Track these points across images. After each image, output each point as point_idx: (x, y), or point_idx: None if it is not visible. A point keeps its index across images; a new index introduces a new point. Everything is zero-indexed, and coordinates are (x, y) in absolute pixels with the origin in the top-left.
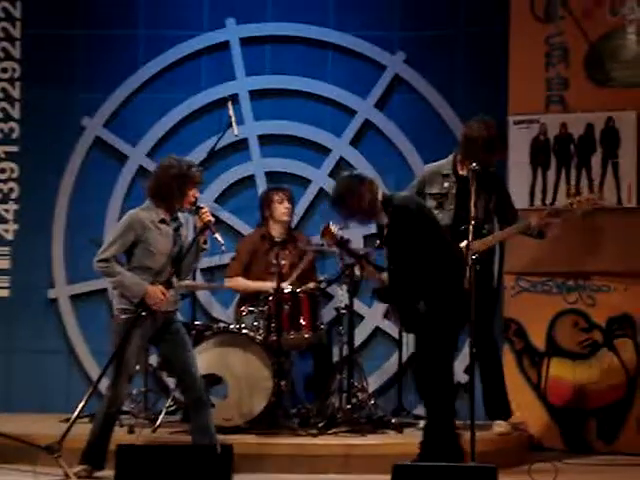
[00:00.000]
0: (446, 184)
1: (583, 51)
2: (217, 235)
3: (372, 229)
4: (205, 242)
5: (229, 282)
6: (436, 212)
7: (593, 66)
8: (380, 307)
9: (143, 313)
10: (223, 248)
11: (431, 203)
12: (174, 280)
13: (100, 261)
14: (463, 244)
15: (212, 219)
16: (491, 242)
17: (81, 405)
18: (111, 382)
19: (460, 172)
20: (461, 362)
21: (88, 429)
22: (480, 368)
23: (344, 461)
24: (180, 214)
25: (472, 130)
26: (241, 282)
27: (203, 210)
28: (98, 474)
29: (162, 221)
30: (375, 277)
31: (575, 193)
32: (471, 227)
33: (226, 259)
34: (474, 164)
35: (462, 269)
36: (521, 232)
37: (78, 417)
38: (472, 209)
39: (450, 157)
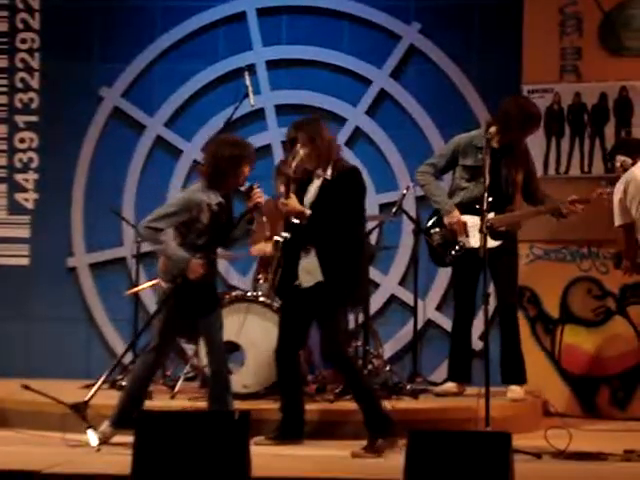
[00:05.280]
0: (480, 156)
1: (597, 20)
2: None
3: (388, 198)
4: (252, 222)
5: (254, 248)
6: (468, 184)
7: (607, 35)
8: (396, 274)
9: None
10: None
11: (464, 174)
12: (217, 253)
13: (149, 228)
14: (491, 215)
15: (262, 201)
16: (518, 218)
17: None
18: (152, 346)
19: (493, 145)
20: (477, 329)
21: (109, 396)
22: (500, 333)
23: (360, 427)
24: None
25: (510, 106)
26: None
27: (256, 190)
28: (116, 439)
29: (218, 204)
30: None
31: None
32: (489, 198)
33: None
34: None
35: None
36: (547, 213)
37: (90, 384)
38: (487, 180)
39: (481, 129)
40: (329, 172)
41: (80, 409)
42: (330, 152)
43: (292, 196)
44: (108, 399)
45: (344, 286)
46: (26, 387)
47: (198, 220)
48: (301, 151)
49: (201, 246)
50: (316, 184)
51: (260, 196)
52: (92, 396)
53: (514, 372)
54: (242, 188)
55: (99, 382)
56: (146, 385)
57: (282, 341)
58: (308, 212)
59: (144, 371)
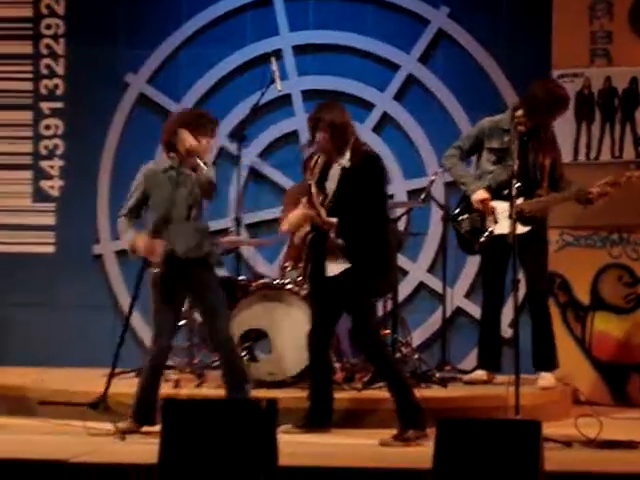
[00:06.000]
0: (506, 139)
1: (628, 4)
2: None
3: (416, 184)
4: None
5: (283, 225)
6: (494, 167)
7: (638, 19)
8: (425, 261)
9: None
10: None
11: (490, 157)
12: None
13: (119, 217)
14: (519, 200)
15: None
16: (546, 203)
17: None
18: (152, 336)
19: (520, 128)
20: (506, 317)
21: (134, 384)
22: (531, 320)
23: (388, 415)
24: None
25: (537, 89)
26: (297, 212)
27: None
28: (145, 428)
29: (170, 167)
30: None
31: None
32: (517, 183)
33: (269, 214)
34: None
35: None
36: (575, 198)
37: (116, 373)
38: (515, 165)
39: (508, 112)
40: (347, 157)
41: (98, 406)
42: (346, 136)
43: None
44: (132, 388)
45: (372, 274)
46: (42, 403)
47: (153, 191)
48: (317, 136)
49: (164, 217)
50: (336, 170)
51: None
52: (107, 391)
53: (546, 358)
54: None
55: (110, 374)
56: (157, 374)
57: (314, 329)
58: (334, 220)
59: (151, 361)
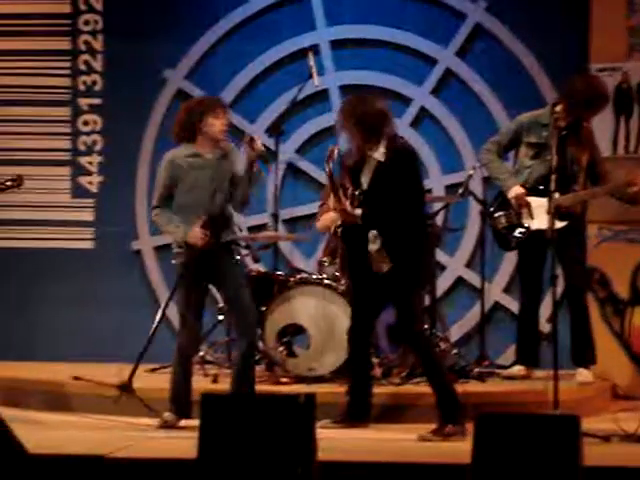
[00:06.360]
0: (545, 133)
1: None
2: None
3: (454, 179)
4: (260, 172)
5: (319, 223)
6: (532, 162)
7: None
8: (463, 256)
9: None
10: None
11: (528, 152)
12: (224, 212)
13: (152, 209)
14: (556, 195)
15: (263, 148)
16: (583, 197)
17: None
18: (179, 328)
19: (559, 123)
20: (544, 312)
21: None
22: (570, 315)
23: (427, 411)
24: (229, 148)
25: (577, 84)
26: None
27: (254, 140)
28: (183, 423)
29: (194, 154)
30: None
31: None
32: (555, 177)
33: (307, 210)
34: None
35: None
36: (615, 192)
37: (156, 368)
38: (554, 160)
39: (547, 107)
40: (382, 151)
41: (127, 388)
42: (378, 129)
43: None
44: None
45: (414, 268)
46: (76, 378)
47: (179, 178)
48: (344, 132)
49: (195, 207)
50: (371, 164)
51: (259, 145)
52: (133, 374)
53: (585, 353)
54: (245, 138)
55: (137, 359)
56: (187, 365)
57: (355, 324)
58: (357, 213)
59: (179, 352)
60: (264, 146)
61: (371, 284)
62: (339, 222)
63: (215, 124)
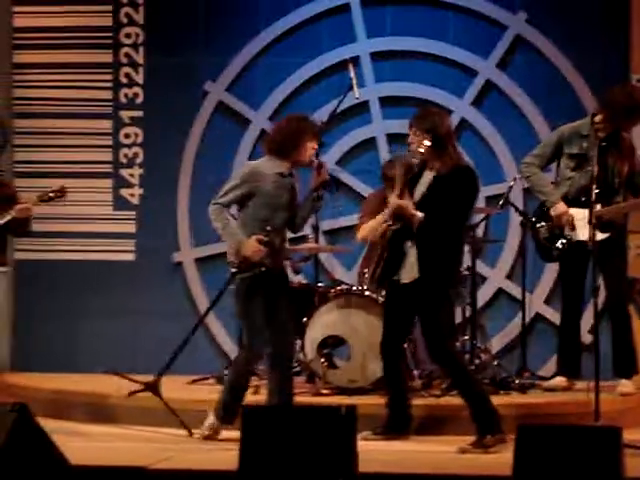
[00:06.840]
0: (585, 144)
1: None
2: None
3: (495, 190)
4: (321, 198)
5: (359, 233)
6: (573, 173)
7: None
8: (504, 267)
9: (262, 269)
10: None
11: (569, 163)
12: (284, 235)
13: (215, 204)
14: (597, 207)
15: (328, 177)
16: (625, 209)
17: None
18: (247, 342)
19: (599, 134)
20: (586, 323)
21: (213, 390)
22: (611, 326)
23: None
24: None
25: (617, 94)
26: (367, 225)
27: (323, 166)
28: (225, 434)
29: (281, 174)
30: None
31: None
32: (596, 189)
33: (348, 221)
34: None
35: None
36: None
37: (196, 380)
38: (595, 171)
39: (588, 118)
40: (442, 166)
41: (154, 387)
42: (446, 144)
43: (407, 198)
44: (213, 393)
45: (440, 282)
46: (105, 372)
47: (261, 192)
48: (418, 144)
49: (264, 220)
50: (428, 177)
51: (326, 173)
52: (161, 374)
53: (626, 365)
54: (314, 163)
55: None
56: (248, 379)
57: (386, 334)
58: (421, 215)
59: (245, 366)
60: (330, 176)
61: (400, 294)
62: (386, 224)
63: (309, 149)
